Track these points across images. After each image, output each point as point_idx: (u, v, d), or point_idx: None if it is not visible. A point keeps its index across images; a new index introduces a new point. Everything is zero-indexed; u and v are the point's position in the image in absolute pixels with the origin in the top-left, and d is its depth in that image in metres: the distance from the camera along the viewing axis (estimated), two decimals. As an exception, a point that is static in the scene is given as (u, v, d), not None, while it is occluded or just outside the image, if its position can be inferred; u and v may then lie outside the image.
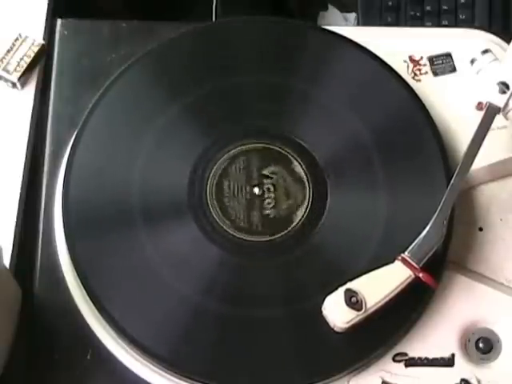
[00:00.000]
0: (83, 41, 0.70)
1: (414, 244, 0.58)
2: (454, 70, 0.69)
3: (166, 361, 0.58)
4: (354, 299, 0.56)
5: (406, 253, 0.58)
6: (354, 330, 0.57)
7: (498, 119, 0.63)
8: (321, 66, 0.68)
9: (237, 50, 0.68)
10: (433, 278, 0.58)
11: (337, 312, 0.57)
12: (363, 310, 0.56)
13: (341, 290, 0.57)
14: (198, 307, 0.59)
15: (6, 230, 0.63)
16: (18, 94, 0.69)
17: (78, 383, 0.60)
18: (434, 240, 0.58)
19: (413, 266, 0.58)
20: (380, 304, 0.57)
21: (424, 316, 0.60)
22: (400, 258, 0.58)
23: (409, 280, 0.57)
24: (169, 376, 0.59)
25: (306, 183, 0.64)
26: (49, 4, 0.72)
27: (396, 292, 0.57)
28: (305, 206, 0.63)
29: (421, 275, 0.57)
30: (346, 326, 0.56)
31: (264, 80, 0.67)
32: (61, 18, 0.71)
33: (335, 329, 0.57)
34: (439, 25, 0.85)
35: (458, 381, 0.59)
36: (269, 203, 0.63)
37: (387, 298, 0.57)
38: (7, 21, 0.71)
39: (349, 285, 0.57)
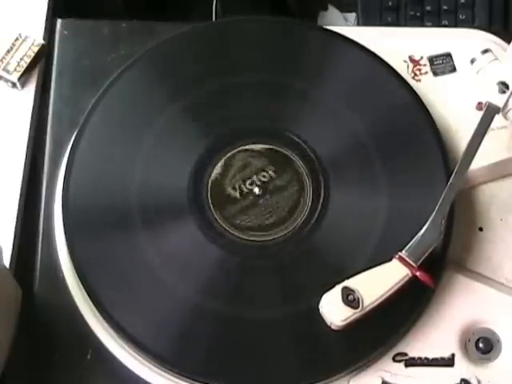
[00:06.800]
0: (83, 41, 0.70)
1: (411, 243, 0.58)
2: (453, 70, 0.69)
3: (166, 361, 0.58)
4: (351, 297, 0.56)
5: (404, 251, 0.58)
6: (352, 328, 0.57)
7: (498, 119, 0.63)
8: (321, 66, 0.68)
9: (237, 49, 0.68)
10: (430, 277, 0.58)
11: (334, 310, 0.57)
12: (360, 308, 0.56)
13: (338, 288, 0.57)
14: (198, 307, 0.59)
15: (5, 229, 0.63)
16: (18, 93, 0.69)
17: (78, 383, 0.60)
18: (431, 239, 0.58)
19: (410, 264, 0.58)
20: (377, 302, 0.57)
21: (424, 316, 0.60)
22: (397, 256, 0.58)
23: (406, 279, 0.57)
24: (169, 376, 0.59)
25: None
26: (49, 4, 0.72)
27: (393, 290, 0.57)
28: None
29: (418, 274, 0.57)
30: (343, 323, 0.56)
31: (264, 80, 0.67)
32: (61, 17, 0.71)
33: (332, 326, 0.57)
34: (439, 25, 0.85)
35: (458, 381, 0.59)
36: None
37: (384, 297, 0.57)
38: (7, 21, 0.71)
39: (346, 283, 0.57)
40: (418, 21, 0.86)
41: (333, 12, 0.94)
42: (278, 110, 0.66)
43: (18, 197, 0.65)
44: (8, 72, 0.68)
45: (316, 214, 0.62)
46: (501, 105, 0.62)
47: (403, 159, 0.64)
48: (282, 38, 0.69)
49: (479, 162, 0.62)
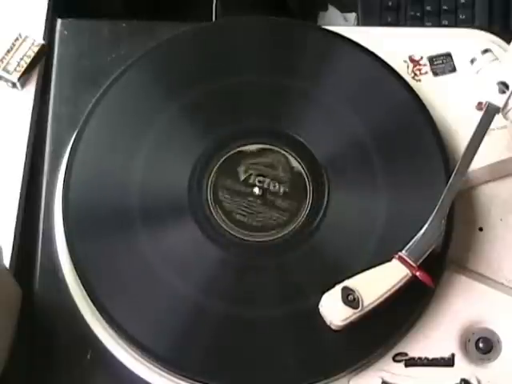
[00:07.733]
0: (83, 41, 0.70)
1: (411, 242, 0.58)
2: (454, 70, 0.69)
3: (165, 361, 0.58)
4: (350, 297, 0.56)
5: (404, 251, 0.58)
6: (352, 327, 0.57)
7: (498, 119, 0.63)
8: (321, 66, 0.68)
9: (237, 49, 0.68)
10: (430, 277, 0.58)
11: (333, 309, 0.57)
12: (360, 308, 0.56)
13: (338, 288, 0.57)
14: (198, 307, 0.59)
15: (5, 229, 0.63)
16: (18, 94, 0.69)
17: (78, 383, 0.60)
18: (431, 239, 0.58)
19: (410, 264, 0.58)
20: (377, 302, 0.57)
21: (424, 316, 0.60)
22: (397, 256, 0.58)
23: (406, 278, 0.57)
24: (168, 376, 0.59)
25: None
26: (49, 4, 0.72)
27: (393, 290, 0.57)
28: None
29: (418, 274, 0.57)
30: (343, 323, 0.57)
31: (264, 80, 0.67)
32: (61, 18, 0.71)
33: (331, 326, 0.57)
34: (439, 25, 0.85)
35: (458, 381, 0.59)
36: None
37: (384, 297, 0.57)
38: (7, 21, 0.71)
39: (346, 282, 0.57)
40: (418, 21, 0.86)
41: (333, 12, 0.94)
42: (277, 111, 0.66)
43: (18, 197, 0.65)
44: (8, 72, 0.68)
45: (316, 214, 0.62)
46: (501, 105, 0.62)
47: (403, 159, 0.64)
48: (281, 38, 0.69)
49: (479, 162, 0.62)
